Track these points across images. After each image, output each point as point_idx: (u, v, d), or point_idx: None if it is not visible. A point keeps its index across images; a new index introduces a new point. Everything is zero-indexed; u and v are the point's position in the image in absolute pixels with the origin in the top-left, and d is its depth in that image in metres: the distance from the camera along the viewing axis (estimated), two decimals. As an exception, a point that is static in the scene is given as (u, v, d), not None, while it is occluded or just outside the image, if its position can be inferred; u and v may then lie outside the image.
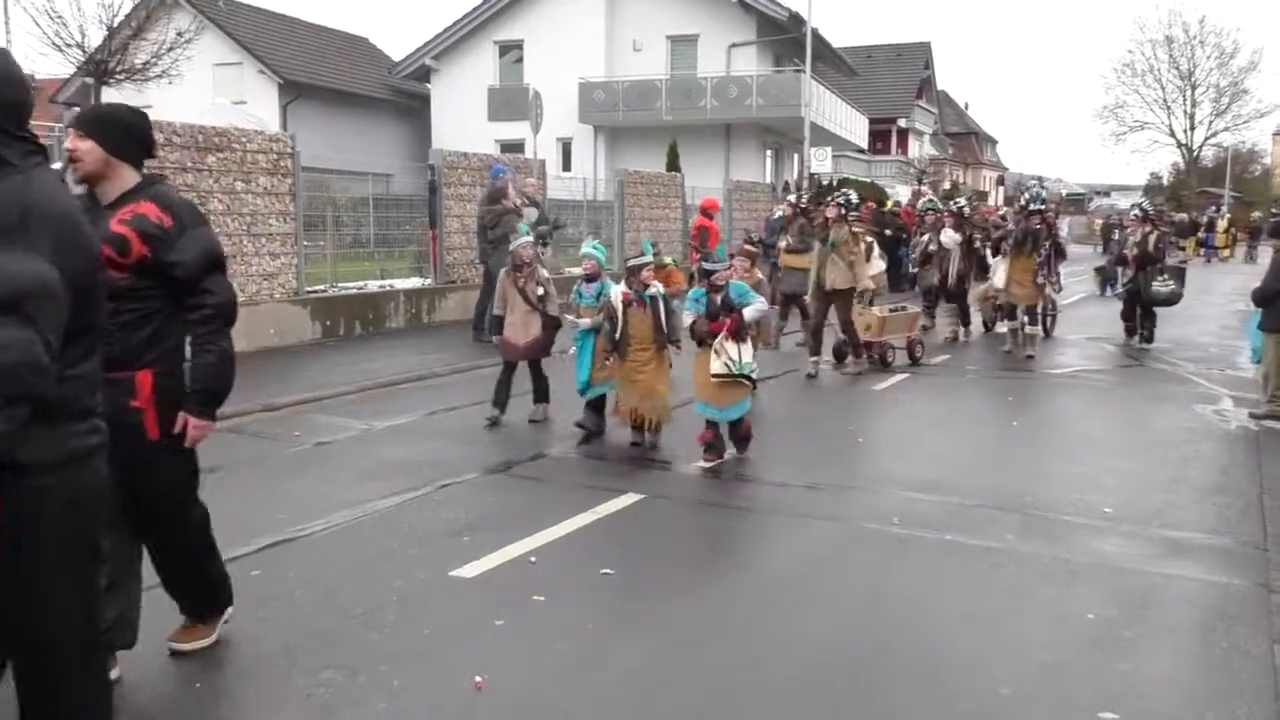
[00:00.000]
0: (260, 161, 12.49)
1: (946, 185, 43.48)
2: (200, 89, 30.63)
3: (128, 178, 3.66)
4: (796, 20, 29.88)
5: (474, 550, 5.43)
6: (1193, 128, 59.89)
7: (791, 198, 14.87)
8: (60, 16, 22.60)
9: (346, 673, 4.02)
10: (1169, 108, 59.73)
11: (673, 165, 26.32)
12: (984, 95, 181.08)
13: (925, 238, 15.01)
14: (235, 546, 5.43)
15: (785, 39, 31.91)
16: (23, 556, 2.56)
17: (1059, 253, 13.62)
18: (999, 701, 3.90)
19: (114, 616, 3.74)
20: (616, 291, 7.64)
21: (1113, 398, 10.74)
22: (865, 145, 42.97)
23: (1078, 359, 13.12)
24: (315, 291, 13.50)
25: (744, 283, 7.71)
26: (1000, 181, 67.27)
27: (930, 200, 17.31)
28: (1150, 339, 14.03)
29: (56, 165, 3.83)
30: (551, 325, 8.46)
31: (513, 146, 28.12)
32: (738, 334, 7.19)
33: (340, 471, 7.18)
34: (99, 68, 23.55)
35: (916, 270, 15.71)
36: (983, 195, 55.80)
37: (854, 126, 39.09)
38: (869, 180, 38.49)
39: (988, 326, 15.15)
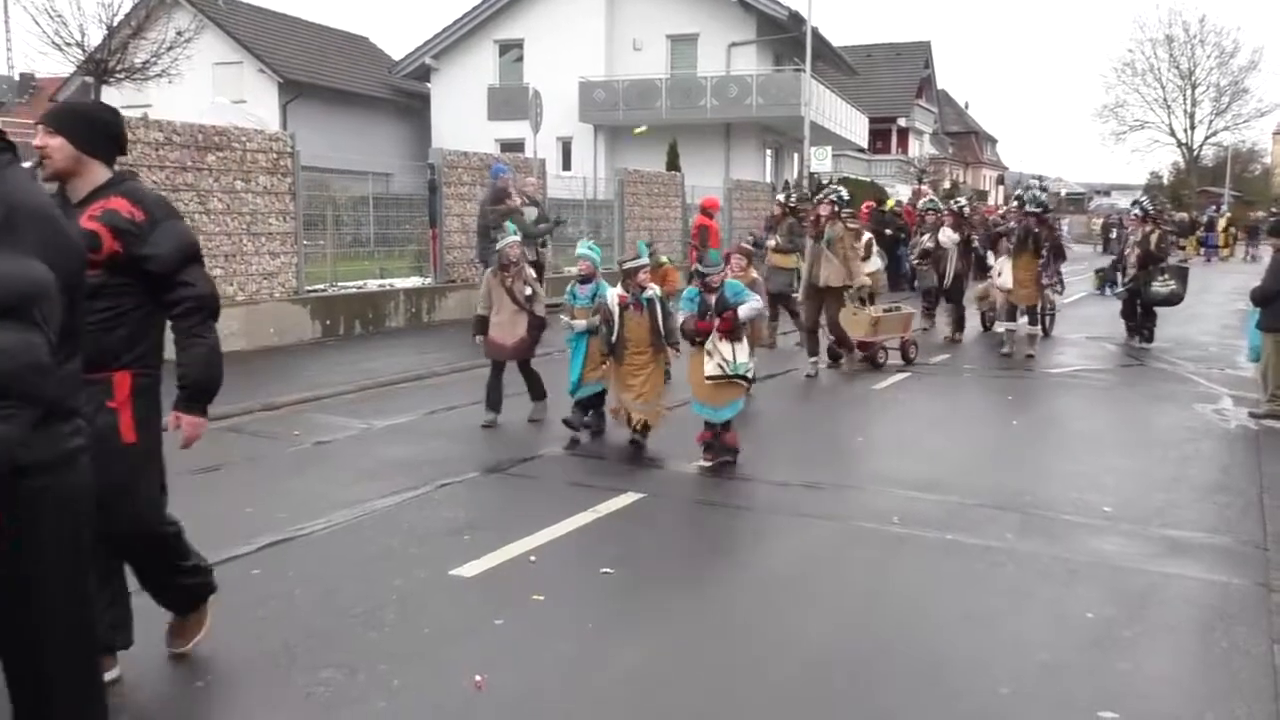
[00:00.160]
0: (260, 161, 12.49)
1: (946, 184, 43.49)
2: (200, 88, 30.61)
3: (98, 174, 3.59)
4: (796, 19, 29.88)
5: (474, 549, 5.42)
6: (1193, 127, 59.91)
7: (780, 197, 14.81)
8: (60, 15, 22.59)
9: (346, 672, 4.02)
10: (1169, 107, 59.77)
11: (673, 164, 26.32)
12: (984, 94, 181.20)
13: (924, 236, 15.00)
14: (235, 545, 5.45)
15: (785, 38, 31.92)
16: (22, 557, 2.56)
17: (1059, 254, 13.59)
18: (999, 701, 3.90)
19: (109, 619, 3.74)
20: (613, 294, 7.57)
21: (1112, 397, 10.74)
22: (865, 144, 42.98)
23: (1077, 358, 13.11)
24: (315, 291, 13.50)
25: (739, 282, 7.66)
26: (1000, 181, 67.30)
27: (931, 200, 17.30)
28: (1150, 338, 14.01)
29: (27, 164, 3.78)
30: (538, 325, 8.38)
31: (513, 146, 28.12)
32: (733, 333, 7.14)
33: (340, 471, 7.18)
34: (99, 67, 23.54)
35: (915, 269, 15.66)
36: (983, 195, 55.82)
37: (854, 126, 39.09)
38: (869, 179, 38.48)
39: (986, 326, 15.13)
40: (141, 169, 11.01)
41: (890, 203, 24.40)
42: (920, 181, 30.98)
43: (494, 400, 8.48)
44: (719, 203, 18.22)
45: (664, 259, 10.58)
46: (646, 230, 20.74)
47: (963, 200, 16.97)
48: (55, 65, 26.45)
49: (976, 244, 15.08)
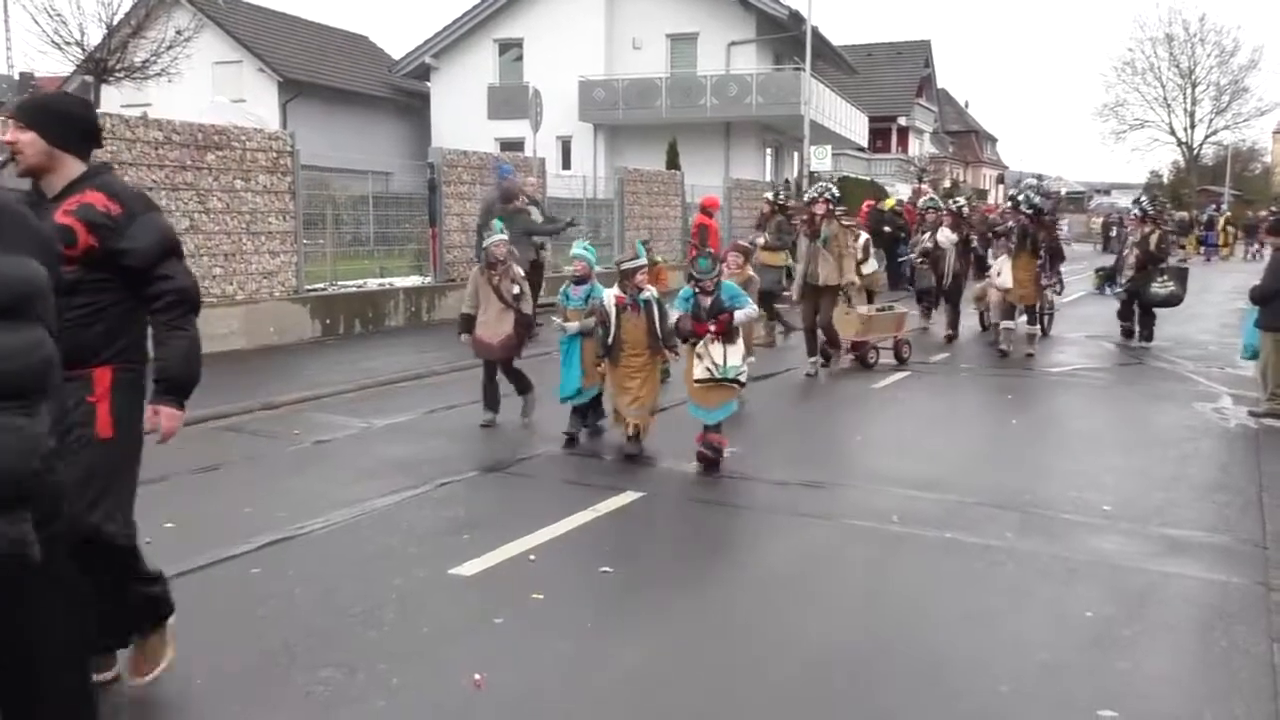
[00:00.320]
0: (260, 160, 12.49)
1: (947, 183, 43.48)
2: (200, 87, 30.62)
3: (71, 169, 3.51)
4: (796, 18, 29.88)
5: (473, 548, 5.42)
6: (1193, 126, 59.90)
7: (769, 195, 14.76)
8: (59, 14, 22.63)
9: (346, 671, 4.02)
10: (1169, 106, 59.75)
11: (672, 163, 26.32)
12: (984, 93, 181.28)
13: (925, 235, 14.97)
14: (234, 545, 5.45)
15: (785, 37, 31.91)
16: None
17: (1058, 255, 13.55)
18: (998, 700, 3.90)
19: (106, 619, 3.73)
20: (609, 295, 7.43)
21: (1112, 396, 10.74)
22: (865, 143, 42.99)
23: (1077, 357, 13.11)
24: (315, 290, 13.50)
25: (735, 284, 7.58)
26: (1000, 180, 67.30)
27: (931, 199, 17.25)
28: (1149, 337, 14.00)
29: None
30: (524, 324, 8.29)
31: (512, 145, 28.12)
32: (727, 336, 7.07)
33: (339, 470, 7.18)
34: (98, 66, 23.56)
35: (914, 268, 15.59)
36: (982, 194, 55.82)
37: (854, 125, 39.09)
38: (869, 178, 38.49)
39: (984, 327, 15.10)
40: (141, 168, 11.03)
41: (890, 202, 24.38)
42: (920, 181, 30.97)
43: (491, 400, 8.45)
44: (719, 202, 18.25)
45: (657, 258, 10.54)
46: (646, 229, 20.75)
47: (961, 200, 16.95)
48: (55, 64, 26.50)
49: (975, 244, 15.08)
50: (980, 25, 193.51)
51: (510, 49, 33.81)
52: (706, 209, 16.19)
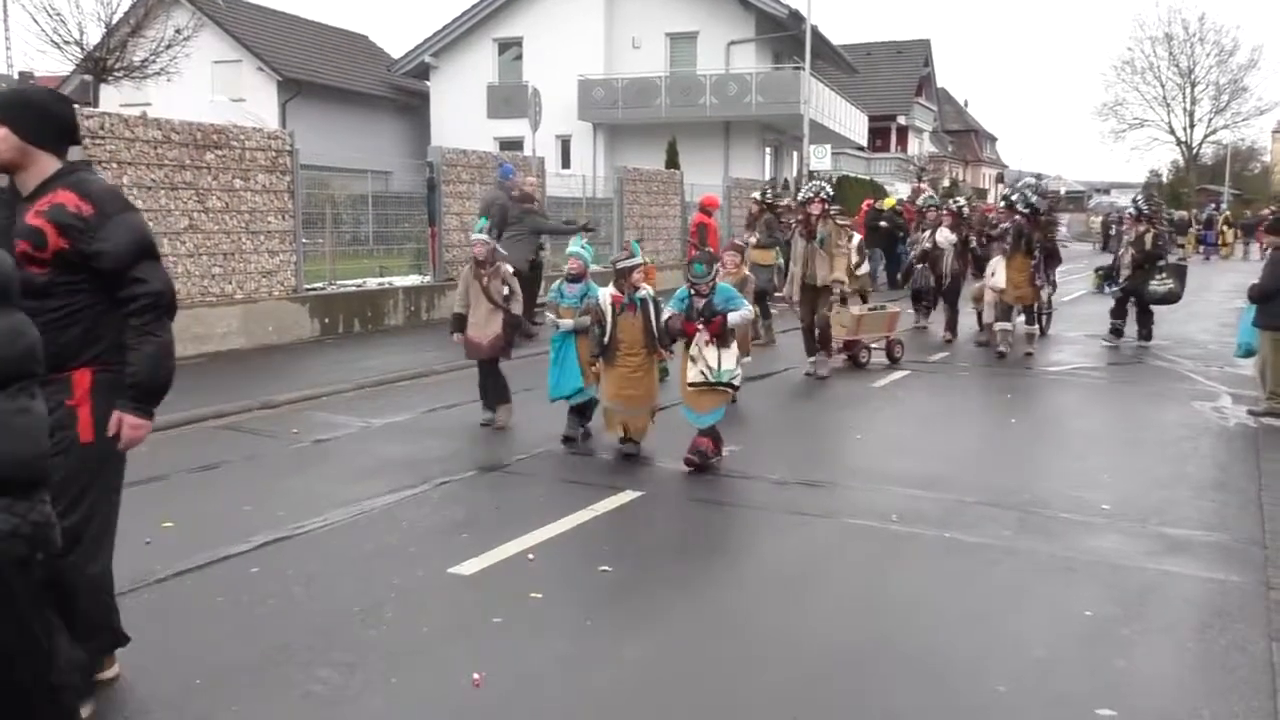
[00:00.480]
0: (259, 159, 12.48)
1: (946, 183, 43.50)
2: (199, 86, 30.65)
3: (46, 166, 3.41)
4: (796, 17, 29.86)
5: (472, 547, 5.42)
6: (1192, 125, 59.97)
7: (756, 194, 14.70)
8: (59, 14, 22.64)
9: (345, 670, 4.02)
10: (1168, 105, 59.82)
11: (672, 163, 26.31)
12: (983, 92, 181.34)
13: (924, 234, 14.93)
14: (234, 544, 5.45)
15: (784, 36, 31.90)
16: None
17: (1053, 257, 13.53)
18: (997, 699, 3.90)
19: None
20: (605, 295, 7.32)
21: (1111, 395, 10.75)
22: (865, 142, 42.98)
23: (1076, 356, 13.11)
24: (314, 289, 13.49)
25: (730, 286, 7.51)
26: (1000, 179, 67.31)
27: (930, 197, 17.24)
28: (1149, 336, 14.00)
29: None
30: (513, 324, 8.21)
31: (512, 144, 28.12)
32: (720, 339, 7.02)
33: (339, 469, 7.18)
34: (97, 65, 23.56)
35: (911, 267, 15.50)
36: (982, 193, 55.83)
37: (853, 124, 39.08)
38: (868, 177, 38.49)
39: (982, 327, 15.06)
40: (140, 167, 11.03)
41: (890, 201, 24.38)
42: (920, 180, 30.98)
43: (489, 400, 8.44)
44: (718, 201, 18.24)
45: (645, 258, 10.45)
46: (647, 229, 20.75)
47: (961, 200, 16.94)
48: (54, 64, 26.54)
49: (975, 244, 15.05)
50: (980, 24, 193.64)
51: (510, 48, 33.80)
52: (706, 208, 16.19)
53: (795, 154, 33.62)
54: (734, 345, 7.17)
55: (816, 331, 11.05)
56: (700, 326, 7.02)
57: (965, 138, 67.49)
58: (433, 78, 34.54)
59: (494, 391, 8.38)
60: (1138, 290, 13.84)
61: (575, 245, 8.13)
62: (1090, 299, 19.32)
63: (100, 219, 3.36)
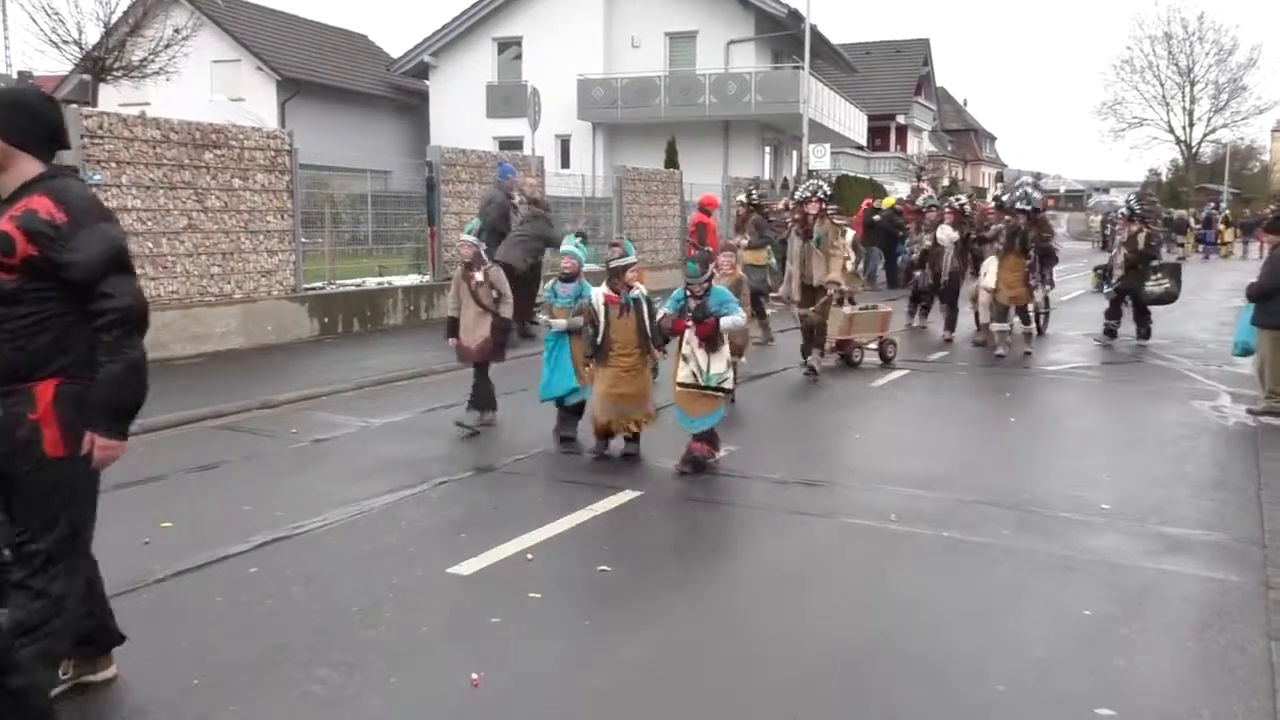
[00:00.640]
0: (258, 159, 12.47)
1: (945, 182, 43.50)
2: (198, 86, 30.65)
3: (27, 169, 3.30)
4: (795, 17, 29.86)
5: (471, 547, 5.42)
6: (1191, 124, 60.00)
7: (741, 197, 14.64)
8: (57, 13, 22.66)
9: (343, 669, 4.02)
10: (1168, 104, 59.85)
11: (671, 162, 26.31)
12: (983, 92, 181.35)
13: (925, 234, 14.88)
14: (233, 543, 5.45)
15: (784, 35, 31.89)
16: None
17: (1049, 257, 13.50)
18: (996, 698, 3.90)
19: (92, 625, 3.71)
20: (599, 294, 7.24)
21: (1110, 394, 10.75)
22: (864, 142, 42.99)
23: (1074, 356, 13.11)
24: (313, 289, 13.49)
25: (725, 288, 7.43)
26: (999, 178, 67.35)
27: (930, 197, 17.20)
28: (1148, 335, 13.99)
29: None
30: (501, 328, 8.09)
31: (511, 143, 28.13)
32: (710, 341, 6.98)
33: (337, 469, 7.18)
34: (96, 65, 23.56)
35: (915, 274, 15.43)
36: (981, 192, 55.85)
37: (853, 123, 39.08)
38: (868, 177, 38.48)
39: (979, 326, 15.02)
40: (139, 167, 11.02)
41: (890, 200, 24.38)
42: (919, 179, 30.96)
43: (471, 401, 8.38)
44: (717, 200, 18.24)
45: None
46: (646, 228, 20.75)
47: (963, 198, 16.92)
48: (53, 63, 26.54)
49: (974, 242, 15.01)
50: (979, 23, 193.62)
51: (509, 48, 33.80)
52: (705, 208, 16.20)
53: (795, 153, 33.61)
54: (724, 350, 7.09)
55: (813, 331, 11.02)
56: (690, 324, 6.99)
57: (964, 137, 67.51)
58: (432, 77, 34.54)
59: (478, 396, 8.26)
60: (1133, 291, 13.84)
61: (569, 245, 8.02)
62: (1088, 298, 19.32)
63: (72, 228, 3.23)
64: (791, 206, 12.85)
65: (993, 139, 78.96)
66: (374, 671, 4.01)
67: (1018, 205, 12.78)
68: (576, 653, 4.27)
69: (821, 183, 11.43)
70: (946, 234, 14.34)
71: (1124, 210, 14.64)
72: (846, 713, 3.83)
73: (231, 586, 4.87)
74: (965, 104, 71.53)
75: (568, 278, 7.85)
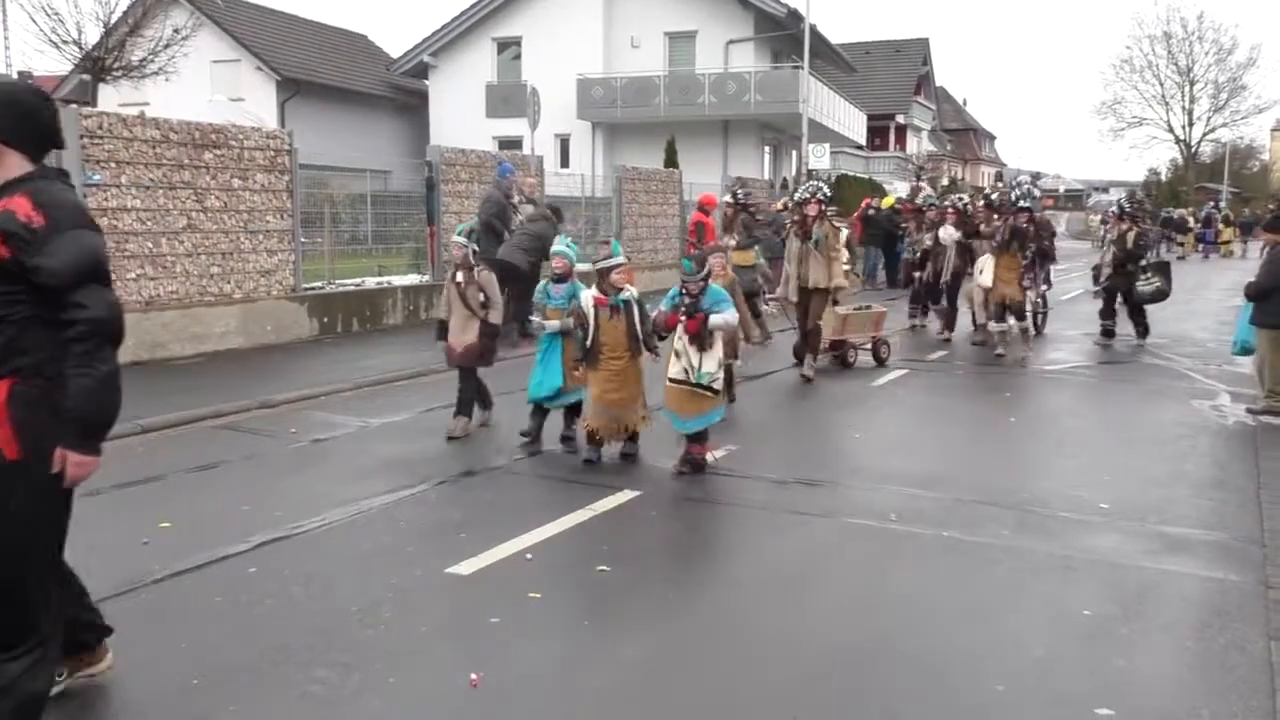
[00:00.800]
0: (257, 159, 12.47)
1: (945, 181, 43.51)
2: (198, 86, 30.63)
3: (13, 166, 3.21)
4: (794, 17, 29.85)
5: (470, 547, 5.42)
6: (1191, 124, 60.01)
7: (727, 198, 14.61)
8: (57, 13, 22.67)
9: (342, 670, 4.02)
10: (1167, 104, 59.87)
11: (671, 162, 26.30)
12: (982, 91, 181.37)
13: (925, 235, 14.85)
14: (232, 543, 5.44)
15: (783, 35, 31.88)
16: None
17: (1046, 257, 13.49)
18: (996, 698, 3.90)
19: (83, 619, 3.69)
20: (588, 295, 7.16)
21: (1109, 393, 10.75)
22: (863, 141, 42.96)
23: (1073, 355, 13.11)
24: (312, 288, 13.49)
25: (723, 290, 7.38)
26: (998, 177, 67.40)
27: (929, 196, 17.19)
28: (1145, 332, 13.98)
29: None
30: (489, 333, 7.93)
31: (511, 143, 28.12)
32: (699, 341, 6.96)
33: (337, 468, 7.18)
34: (96, 65, 23.56)
35: (917, 269, 15.42)
36: (981, 191, 55.83)
37: (852, 123, 39.07)
38: (867, 176, 38.48)
39: (975, 326, 15.00)
40: (139, 167, 11.01)
41: (889, 200, 24.38)
42: (918, 179, 30.99)
43: (484, 400, 8.39)
44: (717, 200, 18.22)
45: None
46: (646, 227, 20.76)
47: (965, 197, 16.89)
48: (52, 63, 26.56)
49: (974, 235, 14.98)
50: (978, 23, 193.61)
51: (508, 47, 33.79)
52: (704, 207, 16.18)
53: (794, 153, 33.60)
54: (715, 349, 7.06)
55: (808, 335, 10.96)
56: (682, 319, 6.97)
57: (964, 136, 67.53)
58: (431, 77, 34.53)
59: (461, 399, 8.17)
60: (1124, 290, 13.84)
61: (560, 245, 7.93)
62: (1087, 298, 19.33)
63: (49, 232, 3.10)
64: (791, 207, 12.82)
65: (992, 138, 79.00)
66: (373, 671, 4.01)
67: (1020, 204, 12.74)
68: (576, 653, 4.27)
69: (821, 184, 11.37)
70: (948, 233, 14.32)
71: (1114, 209, 14.68)
72: (846, 713, 3.83)
73: (231, 586, 4.87)
74: (964, 103, 71.57)
75: (560, 279, 7.76)
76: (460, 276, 7.94)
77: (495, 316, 8.01)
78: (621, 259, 7.17)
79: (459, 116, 32.11)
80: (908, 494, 6.59)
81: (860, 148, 43.31)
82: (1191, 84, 59.07)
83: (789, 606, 4.81)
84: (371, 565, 5.20)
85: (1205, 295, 20.26)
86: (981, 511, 6.25)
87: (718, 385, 7.08)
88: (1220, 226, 40.20)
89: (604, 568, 5.19)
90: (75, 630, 3.66)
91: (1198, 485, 6.98)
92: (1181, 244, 39.61)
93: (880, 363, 11.88)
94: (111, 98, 26.43)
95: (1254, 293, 9.20)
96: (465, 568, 5.14)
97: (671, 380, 7.07)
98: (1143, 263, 13.91)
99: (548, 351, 7.66)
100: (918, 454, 7.79)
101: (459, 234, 8.11)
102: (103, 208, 10.58)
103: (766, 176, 32.40)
